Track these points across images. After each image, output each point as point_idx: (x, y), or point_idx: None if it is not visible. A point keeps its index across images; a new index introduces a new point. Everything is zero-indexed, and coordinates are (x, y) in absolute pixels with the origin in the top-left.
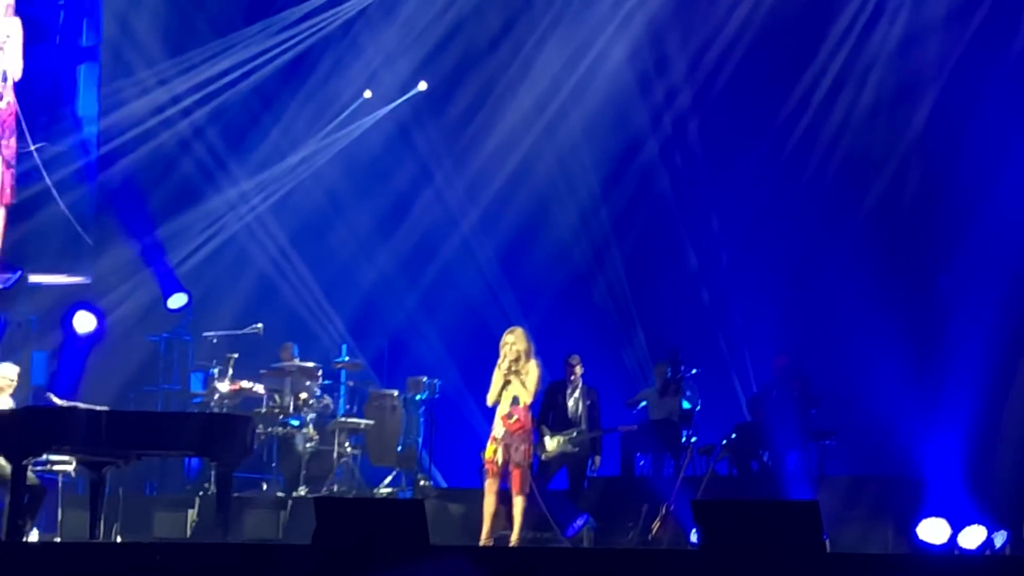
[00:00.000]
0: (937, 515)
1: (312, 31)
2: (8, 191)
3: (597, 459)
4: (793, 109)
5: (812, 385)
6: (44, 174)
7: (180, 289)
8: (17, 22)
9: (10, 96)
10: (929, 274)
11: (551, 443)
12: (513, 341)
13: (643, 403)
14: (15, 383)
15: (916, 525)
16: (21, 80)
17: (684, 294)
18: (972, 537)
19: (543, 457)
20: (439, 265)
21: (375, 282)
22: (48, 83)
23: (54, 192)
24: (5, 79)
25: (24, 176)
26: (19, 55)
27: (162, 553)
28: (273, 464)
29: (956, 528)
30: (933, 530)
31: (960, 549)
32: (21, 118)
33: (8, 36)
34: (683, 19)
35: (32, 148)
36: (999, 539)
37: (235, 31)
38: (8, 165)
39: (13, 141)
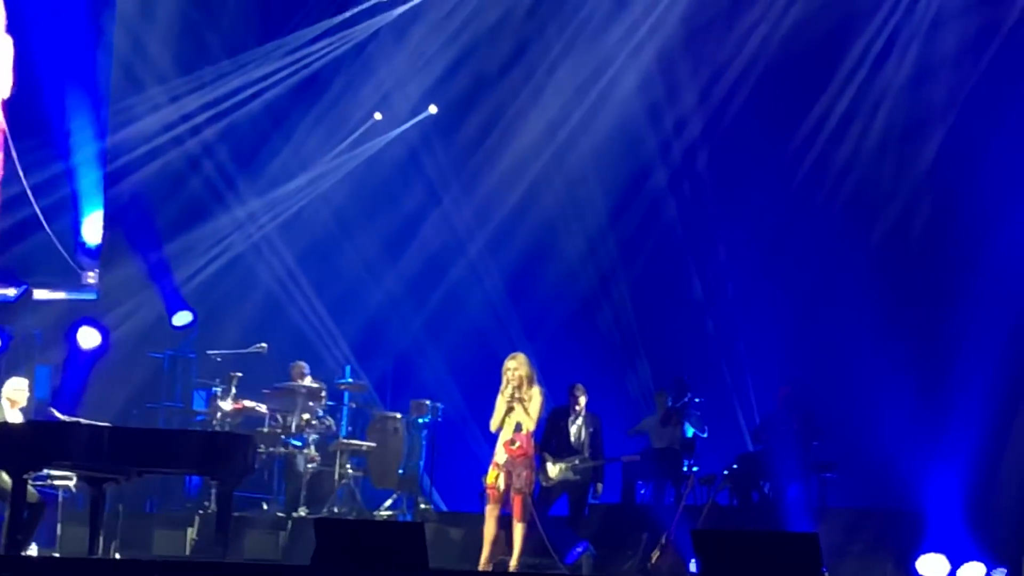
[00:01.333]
0: (937, 550)
1: (324, 52)
2: None
3: (599, 486)
4: (802, 142)
5: (816, 417)
6: (31, 198)
7: (185, 307)
8: (8, 41)
9: None
10: (935, 309)
11: (553, 469)
12: (515, 367)
13: (645, 431)
14: (28, 395)
15: (916, 560)
16: (12, 101)
17: (689, 323)
18: (971, 573)
19: (544, 484)
20: (445, 289)
21: (381, 304)
22: (40, 106)
23: (40, 216)
24: None
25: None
26: (9, 74)
27: (161, 571)
28: (275, 484)
29: (955, 564)
30: (933, 565)
31: None
32: (9, 139)
33: None
34: (694, 49)
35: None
36: None
37: (247, 50)
38: None
39: None
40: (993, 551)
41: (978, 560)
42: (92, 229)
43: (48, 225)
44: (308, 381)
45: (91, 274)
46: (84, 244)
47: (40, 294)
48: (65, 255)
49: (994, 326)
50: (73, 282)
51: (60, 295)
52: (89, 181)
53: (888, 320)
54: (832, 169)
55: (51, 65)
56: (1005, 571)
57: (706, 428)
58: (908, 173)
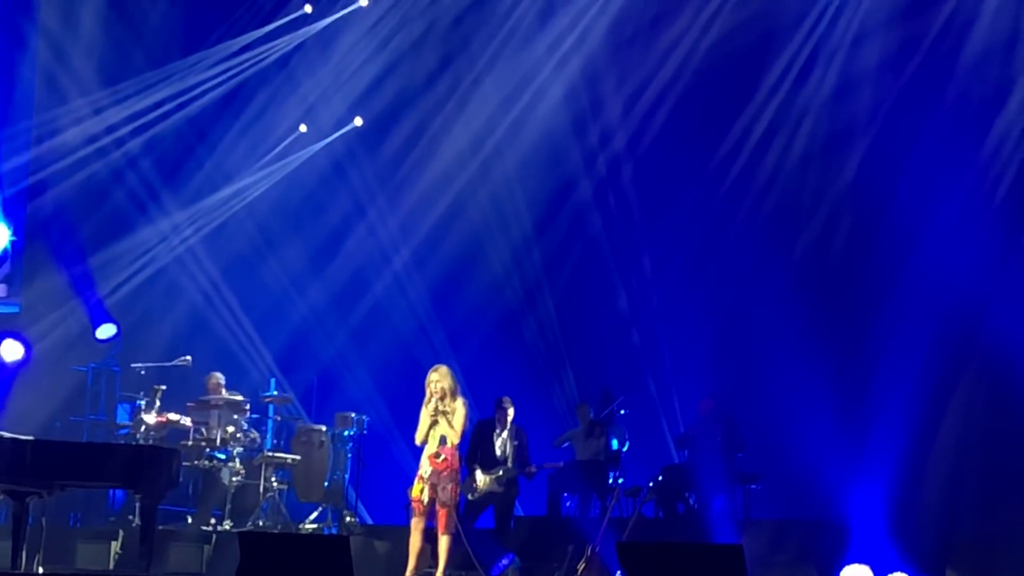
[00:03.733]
0: (861, 561)
1: (249, 64)
2: None
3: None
4: (727, 154)
5: (740, 429)
6: None
7: (109, 319)
8: None
9: None
10: (858, 322)
11: (481, 480)
12: (438, 379)
13: (567, 443)
14: None
15: (840, 571)
16: None
17: (614, 335)
18: None
19: (471, 497)
20: (370, 301)
21: (306, 317)
22: None
23: None
24: None
25: None
26: None
27: None
28: (198, 497)
29: (880, 574)
30: None
31: None
32: None
33: None
34: (619, 63)
35: None
36: None
37: (171, 62)
38: None
39: None
40: (916, 561)
41: (902, 571)
42: None
43: None
44: (225, 393)
45: None
46: None
47: None
48: None
49: (916, 338)
50: None
51: None
52: None
53: (811, 332)
54: (755, 182)
55: None
56: None
57: (627, 441)
58: (831, 186)
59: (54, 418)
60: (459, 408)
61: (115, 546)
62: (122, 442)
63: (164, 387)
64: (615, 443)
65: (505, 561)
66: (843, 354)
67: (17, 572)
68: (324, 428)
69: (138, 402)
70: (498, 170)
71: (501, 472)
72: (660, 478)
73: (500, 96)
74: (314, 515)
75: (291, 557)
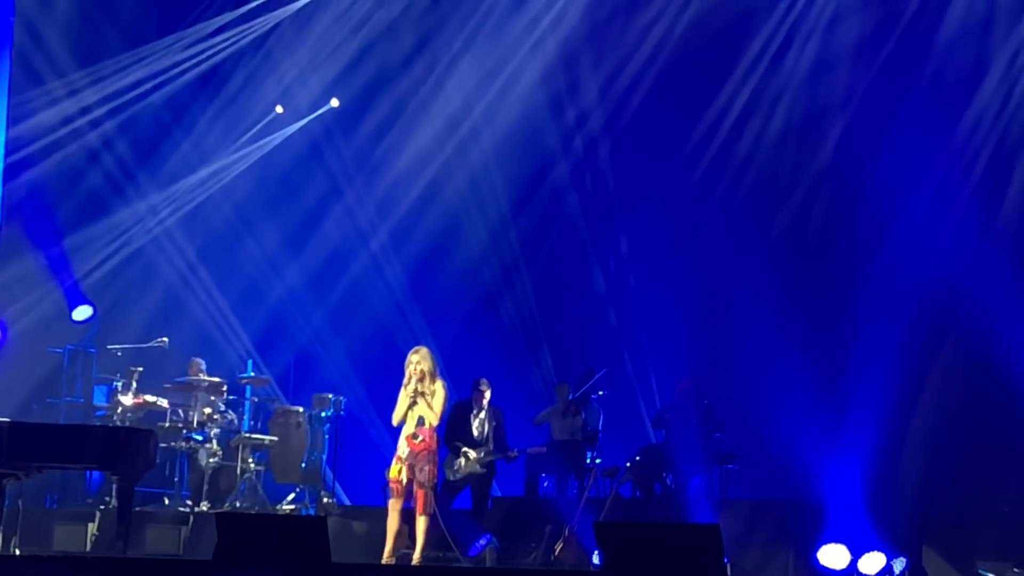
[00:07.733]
0: (838, 541)
1: (225, 45)
2: None
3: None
4: (703, 135)
5: (717, 409)
6: None
7: (85, 301)
8: None
9: None
10: (835, 302)
11: (464, 461)
12: (418, 361)
13: (547, 422)
14: None
15: (817, 550)
16: None
17: (592, 316)
18: (872, 563)
19: (451, 478)
20: (348, 282)
21: (283, 298)
22: None
23: None
24: None
25: None
26: None
27: (61, 566)
28: (176, 479)
29: (856, 554)
30: (833, 555)
31: (860, 575)
32: None
33: None
34: (596, 43)
35: None
36: (898, 566)
37: (147, 43)
38: None
39: None
40: (893, 541)
41: (878, 550)
42: None
43: None
44: (204, 377)
45: None
46: None
47: None
48: None
49: (891, 318)
50: None
51: None
52: None
53: (788, 313)
54: (732, 163)
55: None
56: (905, 561)
57: (600, 423)
58: (807, 167)
59: (31, 400)
60: (439, 390)
61: (92, 528)
62: (99, 424)
63: (141, 368)
64: (590, 424)
65: (482, 541)
66: (820, 334)
67: None
68: (301, 409)
69: (115, 384)
70: (475, 151)
71: (483, 453)
72: (638, 458)
73: (477, 77)
74: (291, 496)
75: (268, 538)
